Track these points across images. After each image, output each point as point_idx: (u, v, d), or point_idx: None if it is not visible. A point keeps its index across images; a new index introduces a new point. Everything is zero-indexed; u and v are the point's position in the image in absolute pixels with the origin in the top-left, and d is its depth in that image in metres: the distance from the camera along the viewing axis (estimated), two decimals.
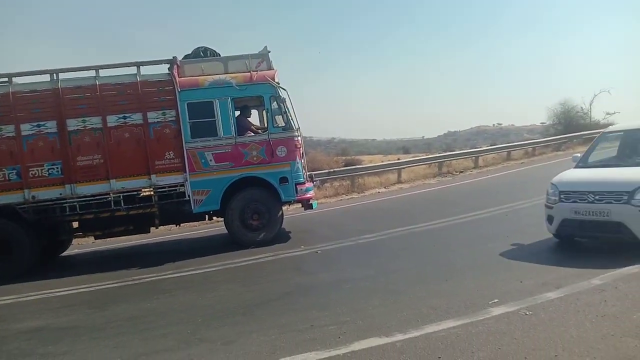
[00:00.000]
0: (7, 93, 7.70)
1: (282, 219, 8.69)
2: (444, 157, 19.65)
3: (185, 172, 8.10)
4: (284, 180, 8.35)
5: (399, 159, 33.61)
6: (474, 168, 18.68)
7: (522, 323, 3.91)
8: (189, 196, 8.16)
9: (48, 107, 7.77)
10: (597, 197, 5.75)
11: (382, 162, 28.49)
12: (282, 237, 8.81)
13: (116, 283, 6.89)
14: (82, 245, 10.56)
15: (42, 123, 7.76)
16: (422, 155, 30.24)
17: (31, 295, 6.67)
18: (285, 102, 8.45)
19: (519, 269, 5.55)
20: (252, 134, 8.60)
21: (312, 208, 9.00)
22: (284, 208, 9.04)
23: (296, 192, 8.43)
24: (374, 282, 5.62)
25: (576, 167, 6.90)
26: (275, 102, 8.39)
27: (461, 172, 18.10)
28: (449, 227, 8.51)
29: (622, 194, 5.55)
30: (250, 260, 7.40)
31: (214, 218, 9.08)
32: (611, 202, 5.62)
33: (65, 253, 9.76)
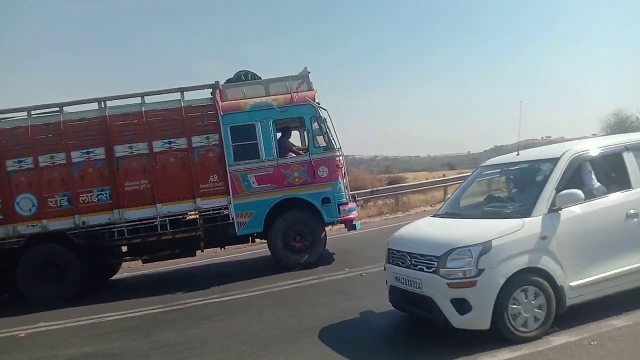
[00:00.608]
0: (58, 122, 8.00)
1: (326, 240, 8.53)
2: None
3: (229, 194, 8.12)
4: (326, 200, 8.22)
5: (444, 176, 32.84)
6: None
7: (587, 355, 3.55)
8: (232, 219, 8.16)
9: (96, 134, 8.01)
10: (413, 261, 4.36)
11: (427, 179, 27.95)
12: (325, 259, 8.64)
13: (163, 308, 6.90)
14: (131, 269, 10.76)
15: (91, 150, 8.00)
16: (468, 171, 29.43)
17: (81, 320, 6.77)
18: (325, 122, 8.37)
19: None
20: (294, 155, 8.55)
21: (356, 229, 8.79)
22: (327, 229, 8.88)
23: (339, 212, 8.28)
24: None
25: (433, 215, 5.64)
26: (316, 123, 8.32)
27: None
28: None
29: (432, 259, 4.11)
30: (293, 284, 7.27)
31: (258, 240, 9.02)
32: (423, 270, 4.21)
33: (115, 277, 9.96)
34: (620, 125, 27.08)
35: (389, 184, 20.60)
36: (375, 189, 16.21)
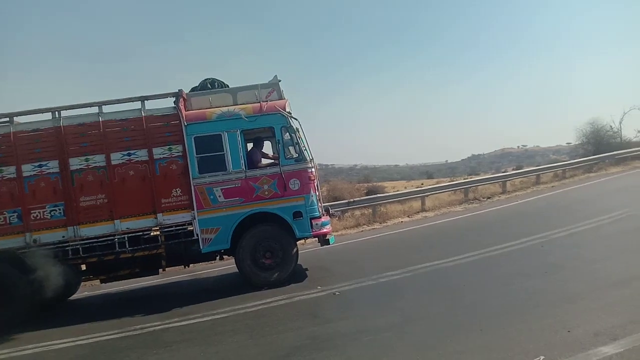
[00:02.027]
0: (8, 133, 7.45)
1: (297, 256, 8.09)
2: (470, 182, 18.73)
3: (193, 209, 7.65)
4: (297, 215, 7.81)
5: (422, 184, 32.84)
6: (502, 193, 17.72)
7: None
8: (197, 235, 7.68)
9: (50, 146, 7.48)
10: None
11: (405, 188, 27.81)
12: (298, 275, 8.20)
13: (118, 333, 6.36)
14: (93, 287, 10.08)
15: (43, 163, 7.46)
16: (447, 180, 29.40)
17: (27, 349, 6.21)
18: (297, 132, 7.99)
19: (563, 313, 4.87)
20: (269, 164, 8.15)
21: (329, 243, 8.36)
22: (300, 243, 8.45)
23: (311, 227, 7.86)
24: (398, 332, 4.96)
25: None
26: (287, 133, 7.93)
27: (489, 198, 17.17)
28: (479, 262, 7.75)
29: None
30: (261, 305, 6.80)
31: (225, 257, 8.53)
32: None
33: (74, 296, 9.33)
34: (595, 134, 27.36)
35: (368, 193, 20.33)
36: (352, 200, 15.84)
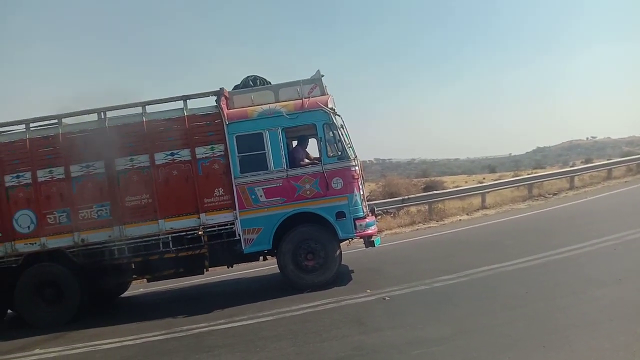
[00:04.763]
0: (57, 134, 7.62)
1: (341, 258, 7.80)
2: (535, 177, 17.62)
3: (235, 209, 7.53)
4: (340, 215, 7.51)
5: (484, 179, 31.56)
6: (570, 189, 16.50)
7: None
8: (239, 235, 7.56)
9: (96, 146, 7.58)
10: None
11: (466, 182, 26.78)
12: (346, 276, 7.93)
13: (164, 335, 6.33)
14: (143, 285, 10.22)
15: (90, 163, 7.58)
16: (510, 175, 28.00)
17: (76, 348, 6.30)
18: (340, 129, 7.70)
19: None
20: (310, 165, 7.92)
21: (375, 245, 8.00)
22: (348, 243, 8.18)
23: (355, 227, 7.55)
24: (449, 346, 4.52)
25: None
26: (329, 130, 7.66)
27: (555, 194, 16.04)
28: (544, 266, 7.07)
29: None
30: (307, 308, 6.54)
31: (269, 257, 8.36)
32: None
33: (127, 294, 9.58)
34: None
35: (425, 188, 19.66)
36: (406, 197, 15.30)
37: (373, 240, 7.91)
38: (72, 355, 6.09)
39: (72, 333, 6.99)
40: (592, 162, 25.02)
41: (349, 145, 7.76)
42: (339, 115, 7.80)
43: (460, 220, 14.01)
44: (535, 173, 21.76)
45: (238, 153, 7.55)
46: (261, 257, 8.18)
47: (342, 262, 8.05)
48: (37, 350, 6.36)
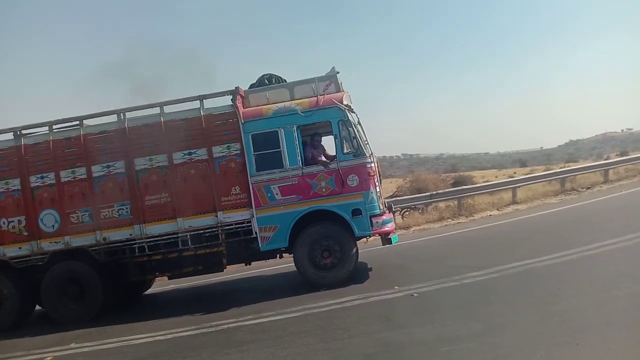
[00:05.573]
0: (79, 136, 7.81)
1: (357, 256, 7.76)
2: (567, 171, 17.11)
3: (252, 207, 7.60)
4: (356, 212, 7.48)
5: (514, 173, 30.93)
6: (604, 183, 15.99)
7: None
8: (256, 233, 7.62)
9: (116, 147, 7.76)
10: None
11: (496, 177, 26.18)
12: (373, 274, 7.90)
13: (193, 330, 6.45)
14: (175, 281, 10.29)
15: (111, 164, 7.75)
16: (541, 169, 27.32)
17: (110, 343, 6.47)
18: (355, 126, 7.67)
19: None
20: (326, 161, 7.91)
21: (392, 243, 7.95)
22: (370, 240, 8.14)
23: (372, 225, 7.51)
24: (479, 343, 4.40)
25: None
26: (344, 127, 7.63)
27: (588, 188, 15.55)
28: (576, 262, 6.84)
29: None
30: (334, 305, 6.51)
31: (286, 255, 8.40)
32: None
33: (158, 290, 9.77)
34: None
35: (454, 184, 19.38)
36: (435, 192, 15.15)
37: (390, 238, 7.87)
38: (106, 350, 6.25)
39: (105, 328, 7.18)
40: (628, 155, 24.15)
41: (364, 142, 7.74)
42: (354, 112, 7.77)
43: (490, 215, 13.75)
44: (567, 167, 21.13)
45: (254, 151, 7.60)
46: (277, 256, 8.22)
47: (364, 260, 8.00)
48: (72, 345, 6.55)
